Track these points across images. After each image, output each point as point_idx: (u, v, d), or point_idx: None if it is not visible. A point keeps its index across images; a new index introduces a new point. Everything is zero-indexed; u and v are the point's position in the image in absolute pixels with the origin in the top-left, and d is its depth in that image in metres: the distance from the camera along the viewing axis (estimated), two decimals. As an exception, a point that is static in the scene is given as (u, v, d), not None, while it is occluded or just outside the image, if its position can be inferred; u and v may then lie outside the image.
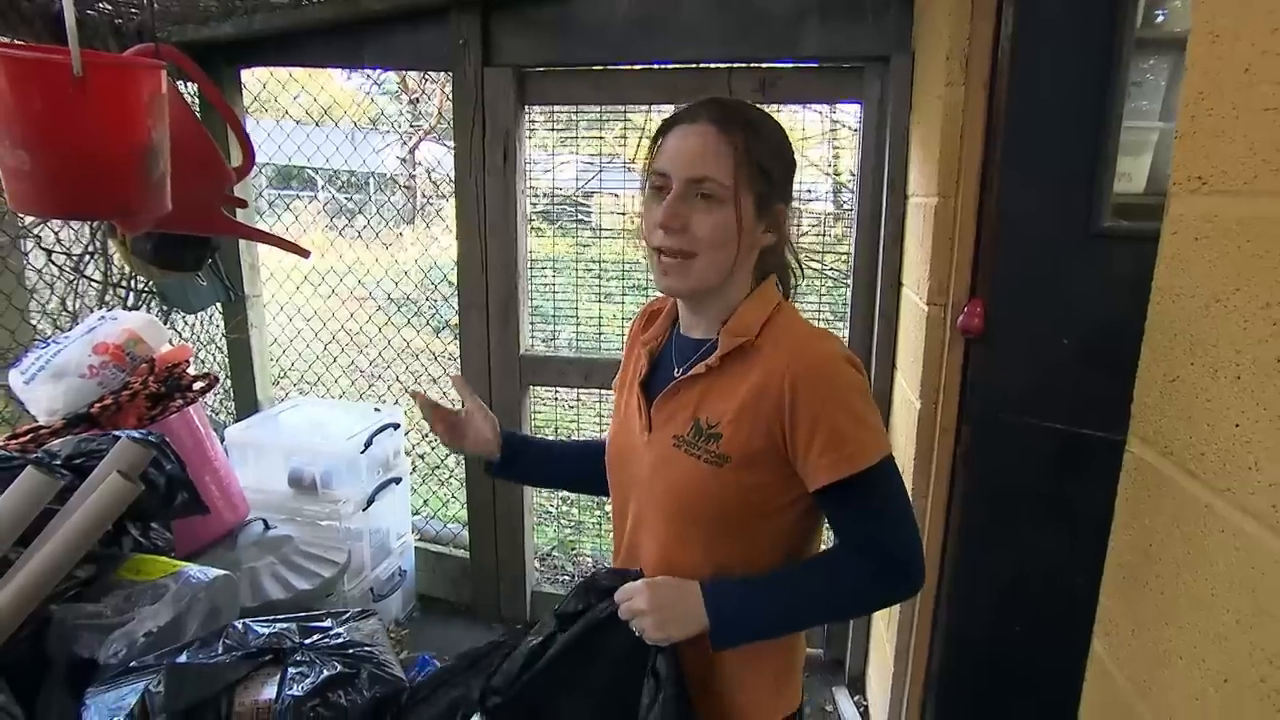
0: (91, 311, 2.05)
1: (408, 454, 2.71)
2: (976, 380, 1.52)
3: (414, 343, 3.12)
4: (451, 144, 2.19)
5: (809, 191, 2.29)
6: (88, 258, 2.10)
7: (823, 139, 2.33)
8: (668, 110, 0.92)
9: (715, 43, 1.92)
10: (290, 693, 1.12)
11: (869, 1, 1.80)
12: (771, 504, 0.89)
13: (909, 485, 1.48)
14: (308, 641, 1.23)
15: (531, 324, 2.31)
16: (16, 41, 1.75)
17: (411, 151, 4.76)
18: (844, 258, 2.09)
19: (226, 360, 2.57)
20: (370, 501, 2.23)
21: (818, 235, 2.17)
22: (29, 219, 1.93)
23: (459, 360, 2.30)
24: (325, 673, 1.16)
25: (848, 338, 2.03)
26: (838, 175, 2.33)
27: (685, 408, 0.91)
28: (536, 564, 2.57)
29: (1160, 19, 1.38)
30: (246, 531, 1.97)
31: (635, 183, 2.28)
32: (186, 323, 2.48)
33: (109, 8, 1.95)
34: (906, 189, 1.85)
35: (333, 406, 2.53)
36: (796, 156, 0.94)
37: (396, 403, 2.85)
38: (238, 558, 1.85)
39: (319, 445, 2.20)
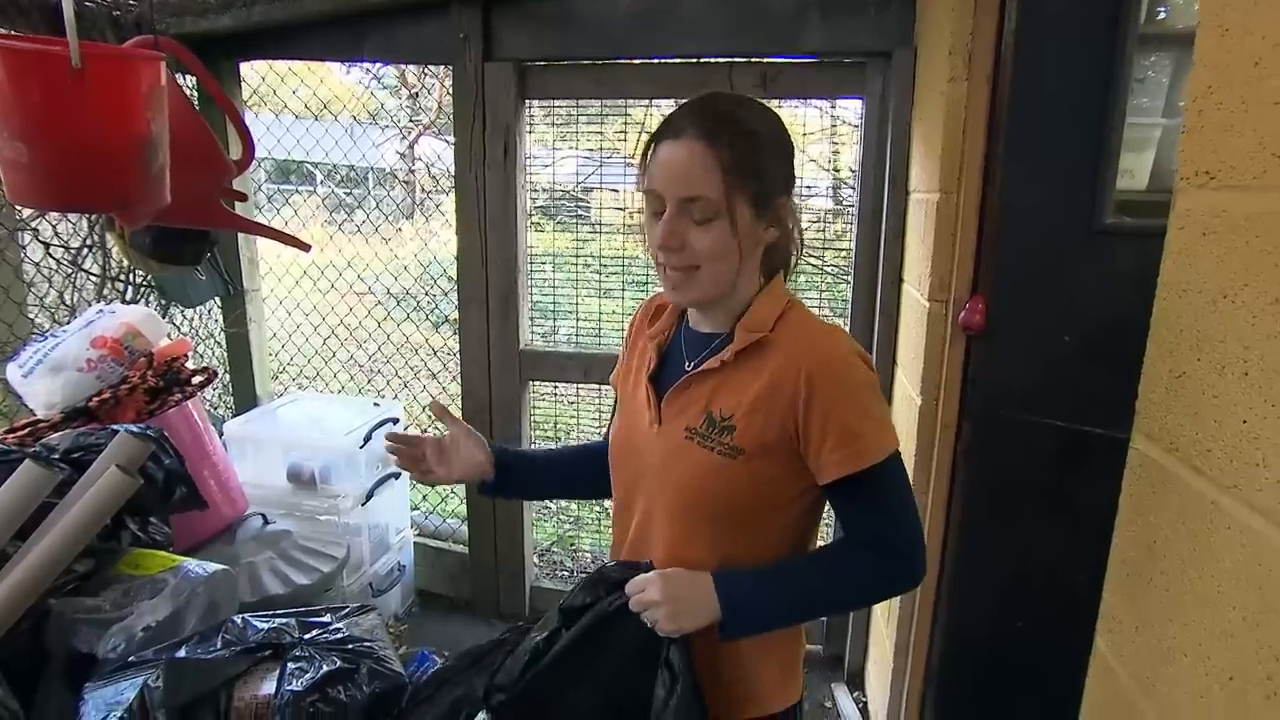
0: (90, 305, 2.04)
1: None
2: (978, 376, 1.52)
3: (413, 337, 3.11)
4: (451, 139, 2.18)
5: (809, 187, 2.29)
6: (86, 251, 2.10)
7: (823, 135, 2.32)
8: (668, 105, 0.92)
9: (716, 37, 1.91)
10: (289, 688, 1.12)
11: (871, -4, 1.80)
12: (782, 496, 0.91)
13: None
14: (307, 637, 1.23)
15: (531, 319, 2.30)
16: (14, 33, 1.74)
17: (411, 146, 4.74)
18: (844, 254, 2.09)
19: (225, 354, 2.57)
20: (369, 496, 2.22)
21: (818, 231, 2.16)
22: (27, 211, 1.92)
23: (459, 355, 2.30)
24: (324, 668, 1.16)
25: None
26: (837, 171, 2.32)
27: (698, 401, 0.92)
28: (536, 559, 2.57)
29: (1163, 15, 1.38)
30: (245, 526, 1.97)
31: (635, 178, 2.27)
32: (185, 317, 2.47)
33: (107, 0, 1.94)
34: (908, 185, 1.85)
35: (331, 401, 2.53)
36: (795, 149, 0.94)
37: (395, 398, 2.84)
38: (236, 552, 1.84)
39: (318, 440, 2.20)
